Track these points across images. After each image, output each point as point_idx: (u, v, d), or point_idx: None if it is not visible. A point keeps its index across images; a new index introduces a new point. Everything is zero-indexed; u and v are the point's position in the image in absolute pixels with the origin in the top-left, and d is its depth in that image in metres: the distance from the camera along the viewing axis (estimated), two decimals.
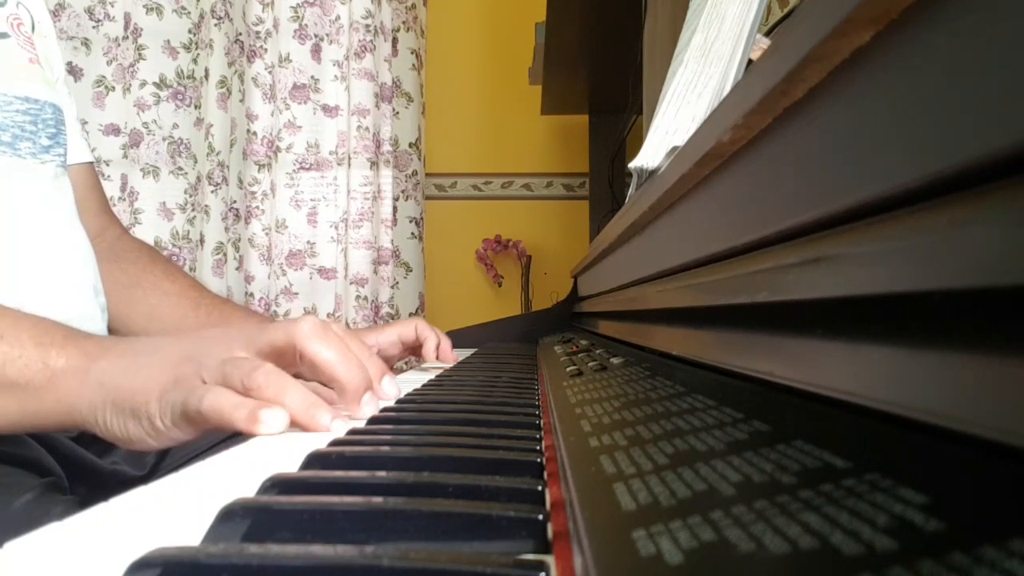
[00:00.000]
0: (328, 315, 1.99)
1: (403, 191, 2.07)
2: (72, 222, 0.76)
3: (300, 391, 0.46)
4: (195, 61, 2.01)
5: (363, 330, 0.99)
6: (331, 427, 0.45)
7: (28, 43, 0.76)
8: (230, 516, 0.24)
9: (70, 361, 0.49)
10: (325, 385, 0.51)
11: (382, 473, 0.29)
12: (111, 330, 0.89)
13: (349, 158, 2.00)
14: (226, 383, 0.45)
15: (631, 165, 0.61)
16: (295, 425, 0.45)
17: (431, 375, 0.76)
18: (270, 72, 2.02)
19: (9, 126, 0.71)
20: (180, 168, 1.99)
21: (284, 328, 0.49)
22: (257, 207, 2.02)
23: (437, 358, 0.91)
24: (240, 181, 1.99)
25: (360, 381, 0.49)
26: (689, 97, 0.57)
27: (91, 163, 0.91)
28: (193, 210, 1.99)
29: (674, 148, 0.53)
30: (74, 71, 1.98)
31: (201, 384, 0.46)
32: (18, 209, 0.70)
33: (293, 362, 0.49)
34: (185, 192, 1.99)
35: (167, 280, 0.91)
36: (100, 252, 0.87)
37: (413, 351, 0.94)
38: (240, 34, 1.99)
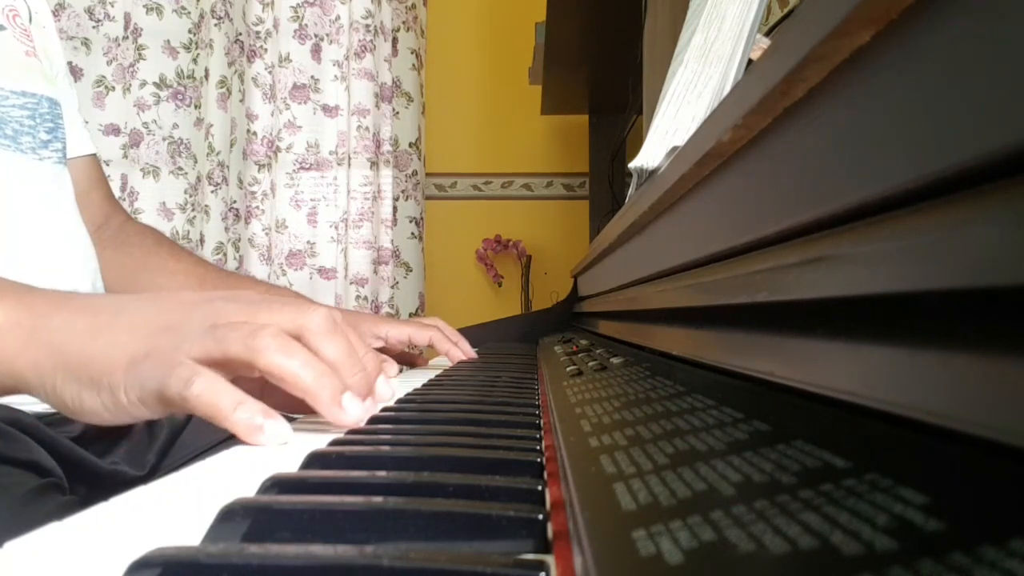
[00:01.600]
0: None
1: (403, 191, 2.07)
2: (72, 218, 0.76)
3: (309, 358, 0.41)
4: (195, 61, 2.01)
5: (378, 317, 0.98)
6: (344, 404, 0.41)
7: (24, 35, 0.75)
8: (230, 516, 0.24)
9: (8, 316, 0.43)
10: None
11: (382, 473, 0.29)
12: None
13: (349, 158, 2.00)
14: (221, 349, 0.40)
15: (631, 165, 0.61)
16: (303, 395, 0.41)
17: (431, 375, 0.76)
18: (270, 72, 2.02)
19: (8, 120, 0.70)
20: (180, 168, 1.99)
21: (291, 316, 0.44)
22: (257, 207, 2.02)
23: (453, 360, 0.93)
24: (240, 181, 1.99)
25: (362, 386, 0.45)
26: (689, 97, 0.57)
27: (94, 155, 0.91)
28: (193, 210, 1.99)
29: (674, 148, 0.53)
30: (74, 71, 1.98)
31: (186, 364, 0.40)
32: (18, 205, 0.70)
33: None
34: (185, 192, 1.99)
35: (172, 260, 0.91)
36: (105, 239, 0.87)
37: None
38: (240, 34, 1.99)
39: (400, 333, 0.91)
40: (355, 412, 0.42)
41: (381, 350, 0.87)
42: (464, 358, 0.92)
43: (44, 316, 0.43)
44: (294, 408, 0.50)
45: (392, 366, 0.76)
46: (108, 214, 0.92)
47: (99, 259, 0.81)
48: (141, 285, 0.88)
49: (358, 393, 0.44)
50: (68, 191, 0.77)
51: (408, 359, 1.00)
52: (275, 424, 0.40)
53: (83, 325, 0.43)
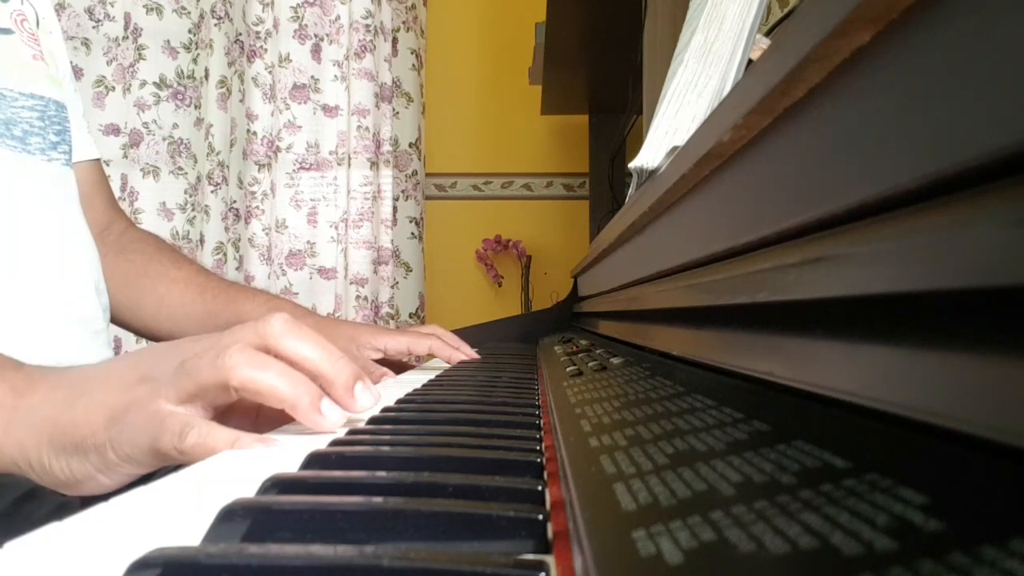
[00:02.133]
0: (328, 315, 1.99)
1: (403, 191, 2.07)
2: (76, 220, 0.77)
3: (283, 368, 0.41)
4: (195, 61, 2.01)
5: (377, 329, 0.98)
6: (323, 410, 0.41)
7: (32, 39, 0.76)
8: (230, 516, 0.24)
9: None
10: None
11: (382, 473, 0.29)
12: (121, 323, 0.90)
13: (349, 158, 2.00)
14: (193, 380, 0.40)
15: (631, 165, 0.61)
16: (282, 406, 0.41)
17: (431, 375, 0.76)
18: (270, 72, 2.02)
19: (18, 121, 0.71)
20: (180, 168, 1.99)
21: (252, 328, 0.43)
22: (257, 207, 2.02)
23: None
24: (240, 181, 1.99)
25: (349, 373, 0.44)
26: (689, 97, 0.58)
27: (98, 160, 0.92)
28: (193, 210, 1.99)
29: (674, 148, 0.53)
30: (74, 71, 1.95)
31: (175, 414, 0.39)
32: (25, 206, 0.70)
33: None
34: (185, 192, 1.99)
35: (173, 267, 0.91)
36: (107, 246, 0.87)
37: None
38: (240, 34, 1.99)
39: (399, 344, 0.91)
40: (335, 417, 0.41)
41: (380, 362, 0.87)
42: (467, 359, 0.92)
43: (23, 395, 0.43)
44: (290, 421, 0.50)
45: (391, 377, 0.76)
46: (110, 220, 0.92)
47: (101, 265, 0.81)
48: (142, 292, 0.89)
49: (346, 383, 0.43)
50: (74, 193, 0.78)
51: (407, 370, 1.00)
52: (263, 447, 0.40)
53: (61, 395, 0.42)
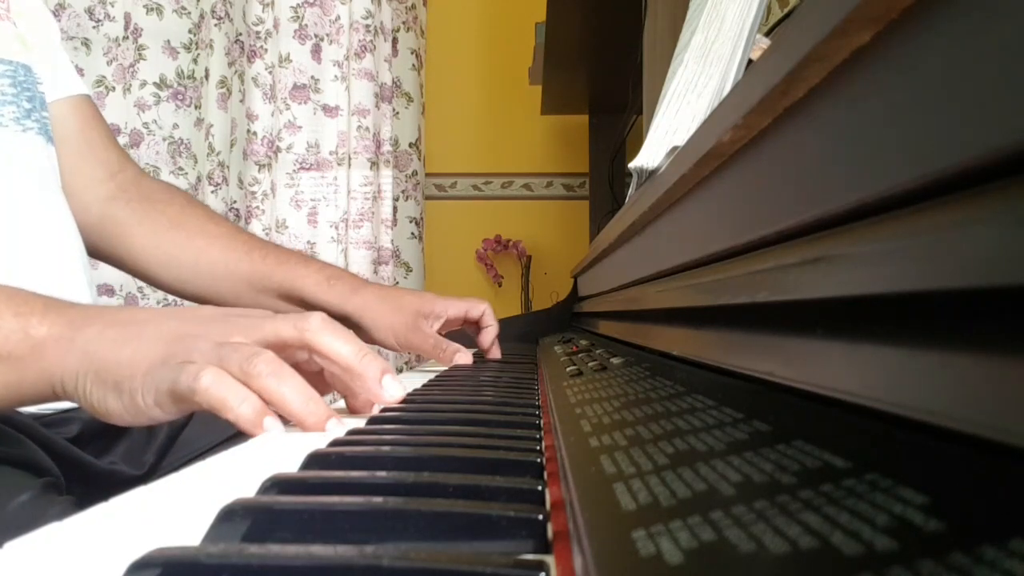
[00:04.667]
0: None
1: (403, 191, 2.07)
2: (57, 192, 0.74)
3: (300, 384, 0.44)
4: (195, 61, 2.01)
5: (433, 296, 0.90)
6: (327, 427, 0.44)
7: None
8: (230, 516, 0.24)
9: (52, 329, 0.47)
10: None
11: (382, 473, 0.29)
12: (145, 277, 0.85)
13: (349, 158, 2.00)
14: (222, 366, 0.44)
15: (631, 165, 0.61)
16: (290, 419, 0.44)
17: (431, 375, 0.76)
18: (270, 72, 2.02)
19: None
20: (180, 168, 1.99)
21: (292, 321, 0.48)
22: (257, 207, 2.02)
23: (488, 352, 0.92)
24: (240, 181, 1.99)
25: (377, 367, 0.49)
26: (689, 97, 0.57)
27: (87, 95, 0.86)
28: None
29: (674, 148, 0.53)
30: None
31: (194, 363, 0.44)
32: (1, 180, 0.67)
33: (293, 356, 0.49)
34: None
35: (211, 223, 0.86)
36: (126, 191, 0.83)
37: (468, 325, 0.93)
38: (240, 34, 1.99)
39: (456, 310, 0.89)
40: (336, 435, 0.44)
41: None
42: (495, 354, 0.92)
43: (80, 329, 0.47)
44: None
45: (463, 353, 0.79)
46: (119, 160, 0.86)
47: (118, 213, 0.77)
48: (175, 244, 0.84)
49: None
50: (53, 164, 0.74)
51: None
52: (272, 421, 0.43)
53: (113, 335, 0.47)
